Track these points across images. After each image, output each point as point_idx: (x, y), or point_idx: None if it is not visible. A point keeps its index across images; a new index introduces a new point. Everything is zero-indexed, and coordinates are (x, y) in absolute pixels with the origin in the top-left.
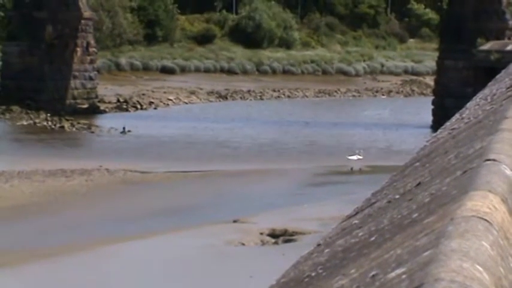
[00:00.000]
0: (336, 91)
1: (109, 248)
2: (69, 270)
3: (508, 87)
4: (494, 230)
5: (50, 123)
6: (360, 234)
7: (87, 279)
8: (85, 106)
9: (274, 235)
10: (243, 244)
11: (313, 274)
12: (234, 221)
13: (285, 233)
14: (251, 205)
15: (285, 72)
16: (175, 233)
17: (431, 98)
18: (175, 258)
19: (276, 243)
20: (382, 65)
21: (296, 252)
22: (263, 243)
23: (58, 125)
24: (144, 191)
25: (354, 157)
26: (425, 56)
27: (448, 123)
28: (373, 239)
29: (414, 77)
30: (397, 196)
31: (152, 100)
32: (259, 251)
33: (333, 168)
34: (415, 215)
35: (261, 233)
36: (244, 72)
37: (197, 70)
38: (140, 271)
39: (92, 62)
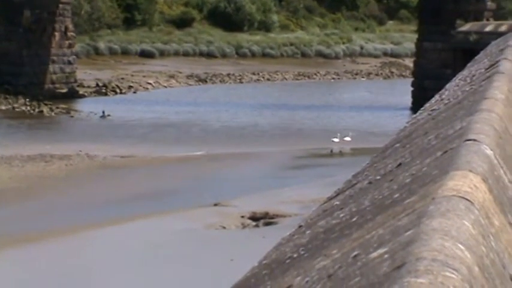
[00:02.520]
0: (315, 74)
1: (89, 233)
2: (49, 255)
3: (487, 68)
4: (476, 209)
5: (28, 108)
6: (341, 215)
7: (67, 265)
8: (64, 90)
9: (255, 218)
10: (224, 227)
11: (294, 255)
12: (215, 205)
13: (265, 215)
14: (232, 188)
15: (264, 55)
16: (155, 218)
17: (411, 79)
18: (156, 243)
19: (256, 226)
20: (362, 48)
21: (277, 235)
22: (244, 226)
23: (37, 110)
24: (124, 175)
25: (337, 139)
26: (404, 38)
27: (427, 105)
28: (354, 219)
29: (393, 59)
30: (378, 177)
31: (131, 84)
32: (240, 234)
33: (313, 151)
34: (396, 195)
35: (242, 216)
36: (224, 55)
37: (176, 54)
38: (121, 256)
39: (70, 46)
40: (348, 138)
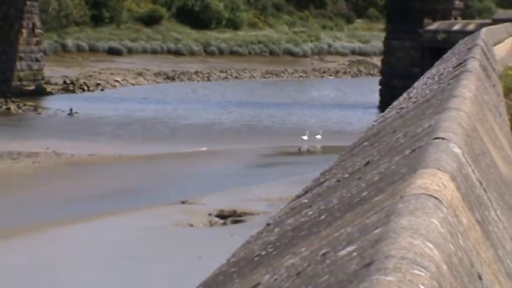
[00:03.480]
0: (283, 72)
1: (56, 231)
2: (15, 252)
3: (455, 67)
4: (444, 207)
5: None
6: (310, 213)
7: (34, 262)
8: (31, 88)
9: (222, 216)
10: (192, 225)
11: (263, 253)
12: (182, 202)
13: (233, 213)
14: (199, 186)
15: (233, 53)
16: (123, 215)
17: (379, 78)
18: (124, 240)
19: (224, 224)
20: (330, 46)
21: (245, 233)
22: (211, 224)
23: (4, 107)
24: (92, 173)
25: (306, 137)
26: (373, 36)
27: (395, 103)
28: (323, 217)
29: (361, 58)
30: (346, 175)
31: (99, 82)
32: (208, 232)
33: (281, 149)
34: (365, 193)
35: (210, 214)
36: (192, 53)
37: (144, 51)
38: (87, 253)
39: (38, 43)
40: (318, 136)
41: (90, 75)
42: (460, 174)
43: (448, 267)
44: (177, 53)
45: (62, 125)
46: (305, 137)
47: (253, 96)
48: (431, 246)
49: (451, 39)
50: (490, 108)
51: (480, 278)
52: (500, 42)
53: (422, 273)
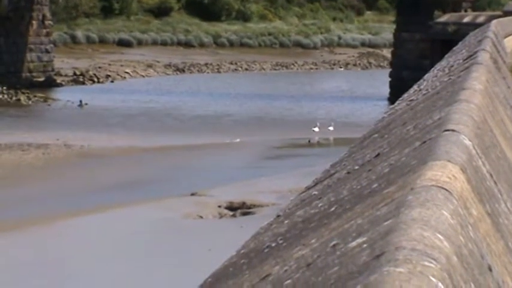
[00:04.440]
0: (293, 64)
1: (66, 222)
2: (26, 244)
3: (465, 59)
4: (454, 199)
5: (5, 96)
6: (320, 205)
7: (42, 255)
8: (41, 79)
9: (232, 208)
10: (201, 217)
11: (273, 245)
12: (192, 194)
13: (242, 205)
14: (209, 178)
15: (242, 45)
16: (132, 207)
17: (389, 70)
18: (133, 232)
19: (234, 216)
20: (340, 38)
21: (254, 225)
22: (221, 216)
23: (14, 98)
24: (102, 164)
25: (317, 129)
26: (383, 28)
27: (405, 95)
28: (333, 209)
29: (371, 50)
30: (356, 167)
31: (109, 73)
32: (217, 224)
33: (290, 141)
34: (375, 185)
35: (219, 206)
36: (202, 45)
37: (154, 43)
38: (97, 245)
39: (47, 34)
40: (331, 128)
41: (100, 67)
42: (470, 166)
43: (458, 259)
44: (187, 44)
45: (72, 117)
46: (316, 129)
47: (263, 88)
48: (441, 237)
49: (461, 32)
50: (500, 100)
51: (490, 269)
52: (510, 35)
53: (433, 265)
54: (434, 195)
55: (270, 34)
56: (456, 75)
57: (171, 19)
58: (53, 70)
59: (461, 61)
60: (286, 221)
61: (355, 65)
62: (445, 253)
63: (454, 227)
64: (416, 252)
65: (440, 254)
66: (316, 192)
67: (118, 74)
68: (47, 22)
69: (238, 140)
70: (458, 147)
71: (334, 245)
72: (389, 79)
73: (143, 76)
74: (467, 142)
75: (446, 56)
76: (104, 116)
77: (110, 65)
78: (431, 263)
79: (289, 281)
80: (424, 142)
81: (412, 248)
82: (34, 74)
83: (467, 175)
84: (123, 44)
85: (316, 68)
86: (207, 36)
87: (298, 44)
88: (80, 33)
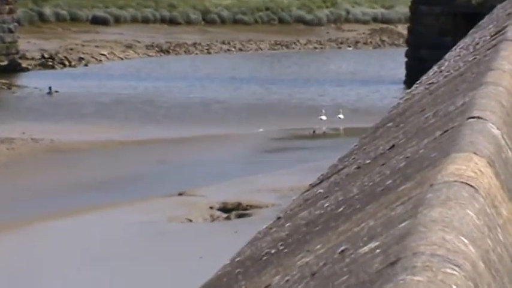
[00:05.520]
0: (294, 43)
1: (34, 228)
2: None
3: (493, 35)
4: (481, 196)
5: None
6: (326, 205)
7: (12, 262)
8: (4, 63)
9: (225, 209)
10: (190, 220)
11: (273, 251)
12: (180, 194)
13: (238, 206)
14: (199, 175)
15: (236, 21)
16: (111, 209)
17: (404, 49)
18: (113, 238)
19: (227, 218)
20: (348, 12)
21: (251, 229)
22: (213, 218)
23: None
24: (75, 160)
25: (325, 117)
26: (397, 1)
27: (424, 78)
28: (341, 210)
29: (384, 26)
30: (368, 161)
31: (82, 56)
32: (209, 228)
33: (292, 131)
34: (389, 181)
35: (211, 207)
36: (189, 22)
37: (134, 20)
38: (71, 254)
39: (10, 12)
40: (341, 116)
41: (71, 49)
42: (499, 158)
43: (485, 265)
44: (172, 21)
45: (40, 106)
46: (323, 117)
47: (260, 72)
48: (466, 241)
49: (487, 4)
50: None
51: None
52: None
53: (456, 272)
54: (457, 193)
55: (267, 9)
56: (482, 54)
57: None
58: (17, 53)
59: (488, 38)
60: (287, 224)
61: (365, 43)
62: (470, 259)
63: (481, 228)
64: (437, 258)
65: (465, 260)
66: (321, 191)
67: (93, 57)
68: None
69: (261, 129)
70: (484, 137)
71: (342, 251)
72: (406, 59)
73: (122, 58)
74: (495, 131)
75: (470, 32)
76: (76, 105)
77: (83, 46)
78: (454, 270)
79: None
80: (446, 131)
81: (432, 254)
82: None
83: (496, 169)
84: (98, 21)
85: (321, 48)
86: (194, 12)
87: (300, 20)
88: (48, 10)
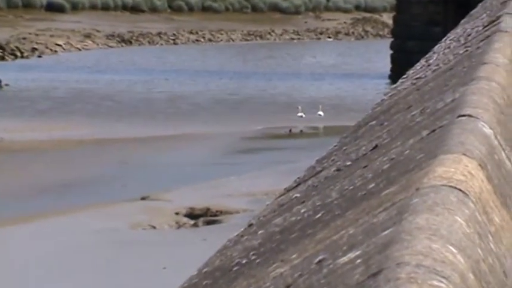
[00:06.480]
0: (269, 33)
1: None
2: None
3: (486, 26)
4: (471, 202)
5: None
6: (303, 210)
7: None
8: None
9: (193, 215)
10: (154, 227)
11: (244, 261)
12: (142, 198)
13: (206, 212)
14: (163, 178)
15: (205, 9)
16: (67, 215)
17: (390, 40)
18: (68, 247)
19: (195, 225)
20: (328, 0)
21: (221, 237)
22: (179, 225)
23: None
24: (27, 161)
25: (302, 114)
26: None
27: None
28: (318, 216)
29: (368, 15)
30: (349, 163)
31: (36, 46)
32: (175, 236)
33: (266, 130)
34: (371, 185)
35: (177, 213)
36: (153, 9)
37: (93, 7)
38: (22, 265)
39: None
40: (320, 113)
41: (24, 38)
42: (492, 160)
43: (475, 277)
44: (135, 9)
45: None
46: (301, 114)
47: (231, 64)
48: (454, 250)
49: None
50: None
51: None
52: None
53: (443, 285)
54: (445, 198)
55: None
56: (474, 47)
57: None
58: None
59: (480, 28)
60: (260, 232)
61: (347, 34)
62: (459, 270)
63: (471, 237)
64: (423, 269)
65: (453, 271)
66: (298, 195)
67: (47, 47)
68: None
69: (232, 128)
70: (476, 137)
71: (320, 261)
72: (391, 52)
73: (79, 49)
74: (487, 130)
75: (462, 22)
76: (29, 100)
77: (37, 35)
78: (441, 282)
79: None
80: (434, 131)
81: (417, 264)
82: None
83: (488, 172)
84: (54, 8)
85: (299, 38)
86: None
87: (276, 8)
88: None
